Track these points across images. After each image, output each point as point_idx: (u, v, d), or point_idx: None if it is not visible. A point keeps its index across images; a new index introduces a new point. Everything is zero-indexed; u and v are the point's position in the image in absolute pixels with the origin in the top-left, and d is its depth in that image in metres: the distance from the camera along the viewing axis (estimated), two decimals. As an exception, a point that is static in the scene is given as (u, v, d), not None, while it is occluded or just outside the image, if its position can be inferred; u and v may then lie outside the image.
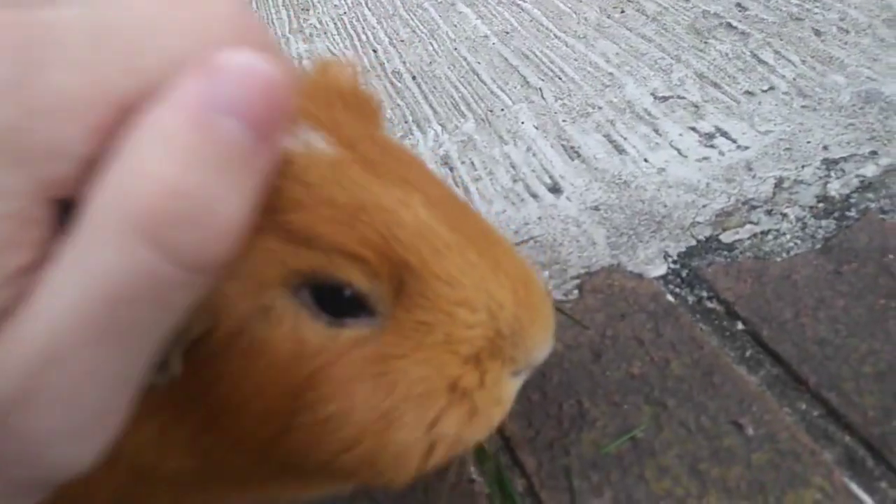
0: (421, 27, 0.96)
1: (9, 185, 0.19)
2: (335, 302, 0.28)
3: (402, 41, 0.93)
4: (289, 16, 1.05)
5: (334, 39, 0.96)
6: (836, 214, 0.57)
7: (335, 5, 1.07)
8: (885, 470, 0.40)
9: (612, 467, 0.42)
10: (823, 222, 0.57)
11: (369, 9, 1.04)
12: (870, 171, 0.61)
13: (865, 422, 0.42)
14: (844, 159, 0.62)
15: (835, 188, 0.60)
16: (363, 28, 0.98)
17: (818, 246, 0.54)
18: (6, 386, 0.19)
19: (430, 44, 0.91)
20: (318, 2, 1.08)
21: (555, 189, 0.64)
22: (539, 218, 0.61)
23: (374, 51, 0.92)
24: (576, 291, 0.53)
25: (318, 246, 0.27)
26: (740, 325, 0.49)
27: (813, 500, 0.39)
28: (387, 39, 0.94)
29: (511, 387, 0.33)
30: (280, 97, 0.22)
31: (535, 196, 0.63)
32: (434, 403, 0.30)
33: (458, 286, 0.29)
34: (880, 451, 0.41)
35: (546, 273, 0.55)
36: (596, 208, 0.61)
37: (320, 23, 1.02)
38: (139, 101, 0.21)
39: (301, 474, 0.34)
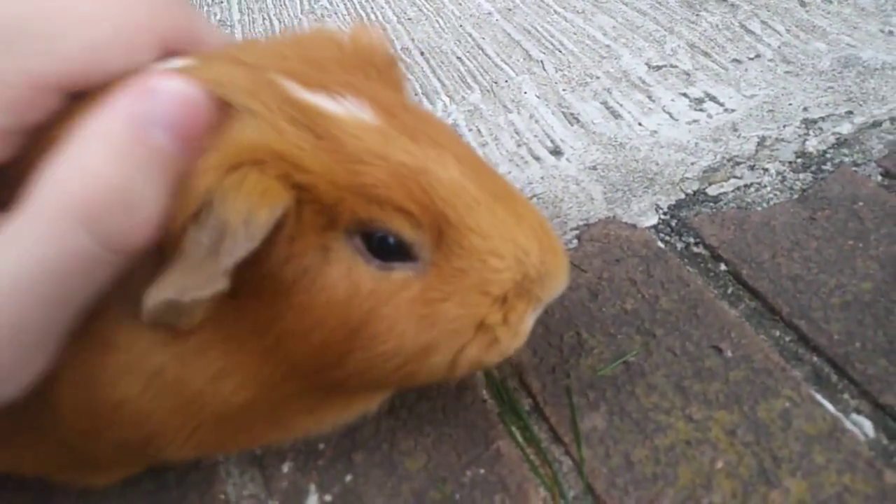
0: (427, 5, 1.01)
1: None
2: (383, 249, 0.33)
3: (410, 19, 0.98)
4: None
5: (345, 20, 1.02)
6: (812, 168, 0.62)
7: (345, -13, 1.12)
8: (848, 384, 0.46)
9: (606, 386, 0.47)
10: (801, 175, 0.62)
11: (377, -11, 1.09)
12: (845, 129, 0.66)
13: (831, 344, 0.48)
14: (823, 119, 0.68)
15: (813, 145, 0.65)
16: (372, 8, 1.03)
17: (795, 196, 0.60)
18: None
19: (437, 21, 0.97)
20: (329, -16, 1.13)
21: (556, 152, 0.69)
22: (542, 178, 0.66)
23: (384, 29, 0.97)
24: (575, 241, 0.59)
25: (375, 198, 0.32)
26: (723, 267, 0.55)
27: (783, 408, 0.45)
28: (395, 18, 0.99)
29: (529, 320, 0.39)
30: (200, 115, 0.28)
31: (537, 158, 0.69)
32: (463, 336, 0.36)
33: (488, 238, 0.35)
34: (843, 368, 0.47)
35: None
36: (594, 168, 0.66)
37: (331, 3, 1.07)
38: (66, 81, 0.27)
39: (343, 396, 0.39)
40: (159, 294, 0.28)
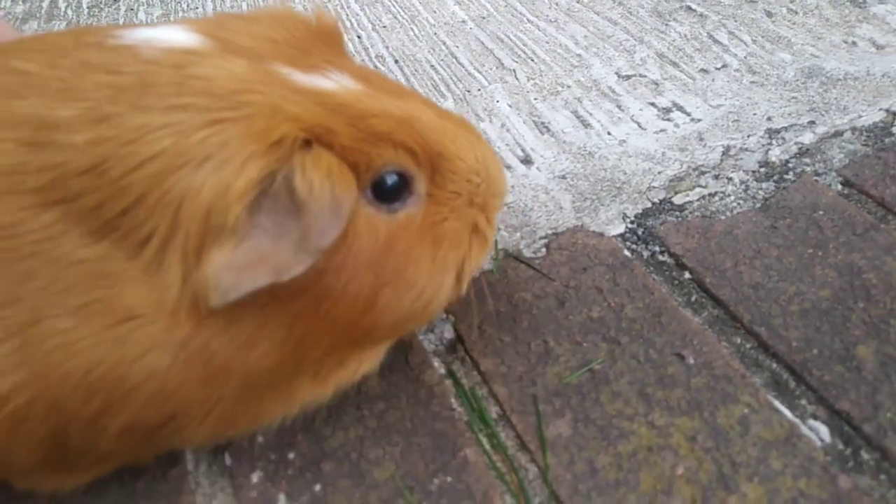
0: (402, 13, 1.02)
1: None
2: (386, 192, 0.38)
3: (385, 27, 0.99)
4: (276, 4, 1.10)
5: (320, 26, 1.02)
6: (775, 177, 0.64)
7: (320, -6, 1.12)
8: (805, 389, 0.47)
9: (572, 394, 0.48)
10: (764, 184, 0.63)
11: (353, -3, 1.09)
12: (807, 138, 0.68)
13: (790, 351, 0.49)
14: (785, 129, 0.69)
15: (775, 154, 0.66)
16: (347, 15, 1.04)
17: (758, 205, 0.61)
18: None
19: (411, 29, 0.97)
20: (304, -10, 1.14)
21: (526, 161, 0.70)
22: (512, 187, 0.67)
23: (359, 36, 0.97)
24: (543, 249, 0.60)
25: (389, 142, 0.37)
26: (687, 275, 0.56)
27: (742, 414, 0.46)
28: (370, 25, 1.00)
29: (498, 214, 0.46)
30: None
31: (508, 167, 0.69)
32: (464, 244, 0.43)
33: (468, 160, 0.42)
34: (801, 374, 0.48)
35: (518, 234, 0.61)
36: (563, 177, 0.67)
37: (305, 10, 1.07)
38: None
39: (364, 345, 0.42)
40: (256, 280, 0.31)
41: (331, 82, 0.36)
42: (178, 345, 0.33)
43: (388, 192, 0.39)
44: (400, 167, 0.38)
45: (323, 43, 0.41)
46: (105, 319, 0.32)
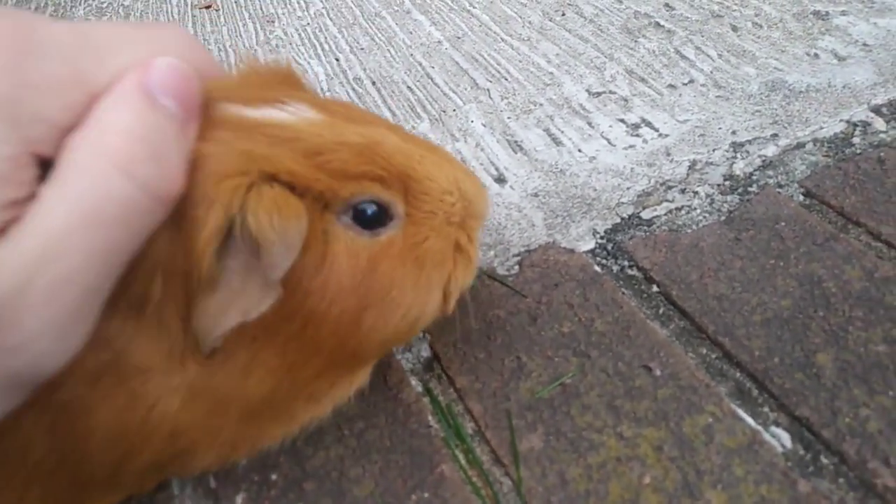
0: (379, 35, 1.04)
1: (4, 137, 0.27)
2: (368, 220, 0.40)
3: (363, 49, 1.01)
4: (255, 28, 1.12)
5: (299, 50, 1.04)
6: (739, 190, 0.66)
7: (298, 17, 1.14)
8: (767, 397, 0.49)
9: (544, 408, 0.50)
10: (728, 197, 0.66)
11: (331, 19, 1.12)
12: (770, 151, 0.70)
13: (753, 360, 0.51)
14: (749, 142, 0.71)
15: (740, 167, 0.69)
16: (325, 38, 1.06)
17: (723, 218, 0.63)
18: (3, 286, 0.26)
19: (388, 51, 0.99)
20: (283, 14, 1.16)
21: (500, 179, 0.72)
22: (486, 205, 0.69)
23: (337, 59, 0.99)
24: (516, 267, 0.61)
25: (350, 176, 0.38)
26: (655, 288, 0.58)
27: (706, 423, 0.48)
28: (348, 48, 1.02)
29: (480, 236, 0.48)
30: (194, 86, 0.33)
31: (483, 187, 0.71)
32: (448, 263, 0.44)
33: (439, 180, 0.42)
34: (763, 382, 0.50)
35: (492, 252, 0.63)
36: (535, 195, 0.69)
37: (285, 34, 1.09)
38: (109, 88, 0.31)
39: (354, 367, 0.44)
40: (226, 322, 0.33)
41: (285, 114, 0.38)
42: (185, 387, 0.36)
43: (370, 221, 0.40)
44: (372, 196, 0.40)
45: (282, 84, 0.43)
46: (116, 378, 0.34)
